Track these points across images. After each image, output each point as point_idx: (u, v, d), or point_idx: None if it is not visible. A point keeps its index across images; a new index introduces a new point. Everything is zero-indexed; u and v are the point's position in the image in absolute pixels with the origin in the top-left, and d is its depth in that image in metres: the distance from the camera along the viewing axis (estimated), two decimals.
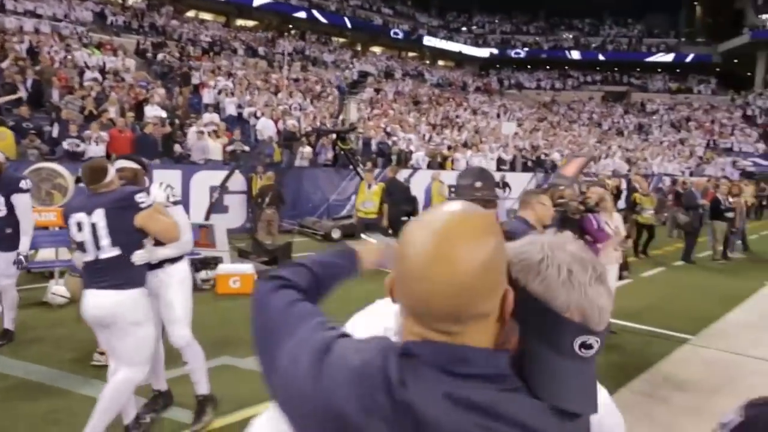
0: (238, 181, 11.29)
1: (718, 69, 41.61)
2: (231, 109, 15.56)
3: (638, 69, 42.65)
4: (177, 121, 13.48)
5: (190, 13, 31.53)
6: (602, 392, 0.89)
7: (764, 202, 20.00)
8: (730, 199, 10.54)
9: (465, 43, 43.13)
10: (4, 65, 13.18)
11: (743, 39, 37.59)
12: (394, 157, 15.68)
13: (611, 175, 17.49)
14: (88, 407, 2.93)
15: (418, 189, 13.44)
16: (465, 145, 19.27)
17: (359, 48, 37.66)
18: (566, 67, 43.59)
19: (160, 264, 3.27)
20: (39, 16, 19.44)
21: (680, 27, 43.72)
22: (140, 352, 2.99)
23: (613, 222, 5.45)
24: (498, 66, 43.94)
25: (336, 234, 10.96)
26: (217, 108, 15.49)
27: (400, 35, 39.33)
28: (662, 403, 3.89)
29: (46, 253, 6.54)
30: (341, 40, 37.58)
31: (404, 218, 10.60)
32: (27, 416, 3.46)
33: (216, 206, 10.57)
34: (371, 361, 0.74)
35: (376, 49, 39.53)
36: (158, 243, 3.17)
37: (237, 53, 24.62)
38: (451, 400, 0.70)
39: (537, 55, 43.30)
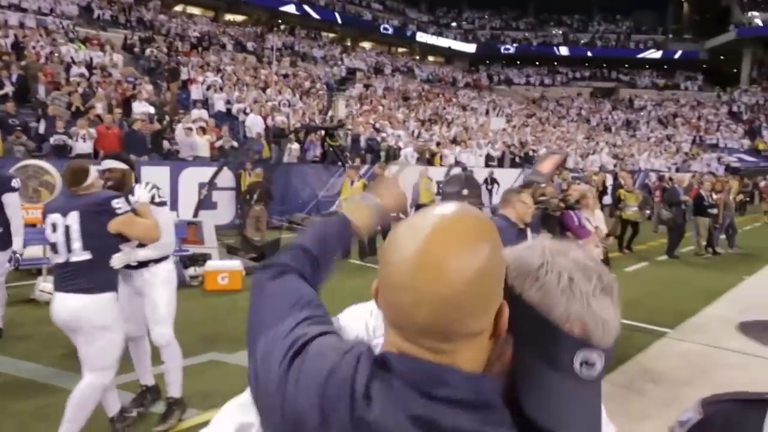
0: (226, 177, 11.31)
1: (704, 65, 42.10)
2: (220, 105, 15.55)
3: (626, 65, 43.05)
4: (168, 117, 13.44)
5: (178, 8, 31.30)
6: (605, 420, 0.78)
7: (746, 198, 20.32)
8: (714, 196, 10.74)
9: (455, 38, 43.24)
10: None
11: (729, 36, 38.05)
12: (382, 154, 15.76)
13: (598, 171, 17.73)
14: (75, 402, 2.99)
15: (406, 185, 13.54)
16: (454, 141, 19.38)
17: (349, 43, 37.60)
18: (555, 63, 43.87)
19: (145, 264, 3.31)
20: (24, 10, 19.24)
21: (668, 24, 44.13)
22: (105, 357, 2.98)
23: (595, 219, 5.57)
24: (487, 62, 44.10)
25: None
26: (205, 104, 15.47)
27: (390, 31, 39.31)
28: (638, 394, 4.02)
29: (33, 251, 6.54)
30: (331, 35, 37.49)
31: (393, 214, 10.72)
32: (16, 413, 3.51)
33: (205, 203, 10.57)
34: (340, 368, 0.68)
35: (366, 45, 39.50)
36: (142, 244, 3.22)
37: (226, 48, 24.52)
38: (419, 424, 0.63)
39: (526, 51, 43.50)
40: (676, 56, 41.62)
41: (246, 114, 14.83)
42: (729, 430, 1.14)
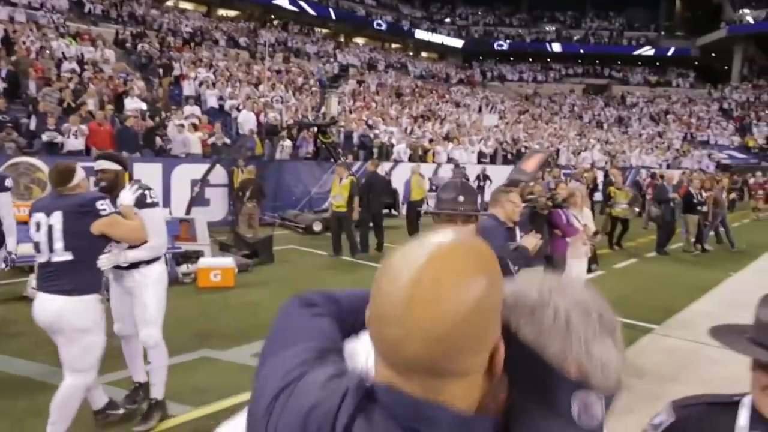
0: (219, 174, 11.32)
1: (696, 63, 42.38)
2: (212, 102, 15.51)
3: (619, 62, 43.26)
4: (164, 114, 13.40)
5: (170, 2, 31.09)
6: None
7: (738, 196, 20.54)
8: (704, 193, 10.88)
9: (448, 34, 43.24)
10: None
11: (720, 33, 38.31)
12: (375, 150, 15.80)
13: (590, 168, 17.85)
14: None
15: (399, 182, 13.61)
16: (446, 138, 19.44)
17: (342, 39, 37.52)
18: (548, 60, 44.01)
19: (136, 265, 3.31)
20: (14, 4, 19.03)
21: (660, 21, 44.35)
22: (85, 360, 2.98)
23: (583, 217, 5.65)
24: (481, 58, 44.16)
25: (317, 227, 11.08)
26: (198, 100, 15.42)
27: (384, 26, 39.26)
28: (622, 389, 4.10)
29: (26, 248, 6.51)
30: (324, 31, 37.39)
31: (385, 211, 10.78)
32: (10, 410, 3.55)
33: (197, 200, 10.60)
34: (324, 403, 0.65)
35: (360, 40, 39.43)
36: (133, 245, 3.23)
37: (218, 44, 24.41)
38: None
39: (519, 48, 43.59)
40: (669, 53, 41.84)
41: (239, 110, 14.81)
42: (703, 431, 1.18)
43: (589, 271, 6.27)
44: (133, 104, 12.77)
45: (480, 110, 28.98)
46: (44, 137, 10.38)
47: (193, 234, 7.74)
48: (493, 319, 0.63)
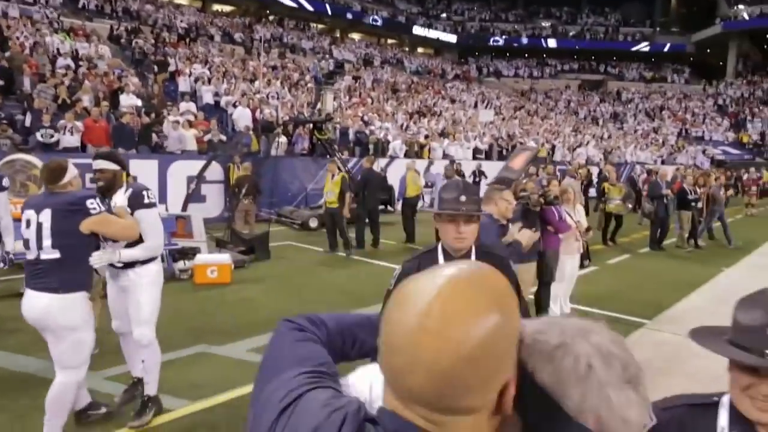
0: (215, 171, 11.34)
1: (692, 59, 42.53)
2: (208, 98, 15.49)
3: (615, 58, 43.35)
4: (163, 112, 13.37)
5: None
6: None
7: (735, 192, 20.65)
8: (698, 189, 10.96)
9: (444, 30, 43.22)
10: None
11: (716, 29, 38.46)
12: (371, 146, 15.84)
13: (584, 164, 17.95)
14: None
15: (394, 178, 13.66)
16: (442, 134, 19.49)
17: (338, 35, 37.45)
18: (544, 56, 44.06)
19: (132, 264, 3.33)
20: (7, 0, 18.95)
21: (655, 17, 44.45)
22: (74, 357, 3.00)
23: (576, 214, 5.72)
24: (477, 54, 44.17)
25: (313, 223, 11.12)
26: (193, 96, 15.40)
27: (380, 22, 39.20)
28: None
29: (22, 245, 6.56)
30: (320, 26, 37.31)
31: (381, 207, 10.84)
32: (11, 405, 3.59)
33: (193, 196, 10.62)
34: (326, 425, 0.65)
35: (355, 36, 39.36)
36: (130, 244, 3.25)
37: (214, 40, 24.35)
38: None
39: (515, 43, 43.61)
40: (664, 49, 41.95)
41: (234, 107, 14.80)
42: None
43: (582, 266, 6.35)
44: (128, 101, 12.75)
45: (476, 106, 29.02)
46: (39, 136, 10.35)
47: (190, 230, 7.78)
48: (503, 357, 0.60)
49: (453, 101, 28.67)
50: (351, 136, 16.22)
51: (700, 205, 10.90)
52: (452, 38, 43.12)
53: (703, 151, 29.31)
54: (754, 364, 1.04)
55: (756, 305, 1.08)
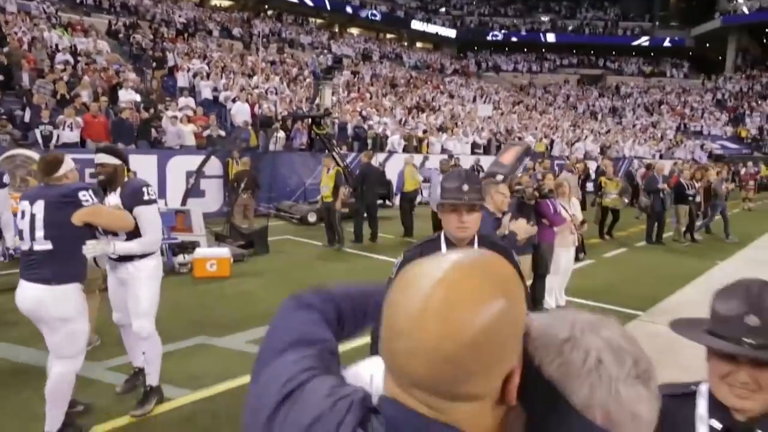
0: (214, 166, 11.39)
1: (691, 53, 42.49)
2: (206, 93, 15.51)
3: (614, 52, 43.30)
4: (160, 106, 13.40)
5: None
6: None
7: (734, 186, 20.69)
8: (696, 184, 11.02)
9: (443, 24, 43.14)
10: None
11: (715, 23, 38.42)
12: (369, 141, 15.88)
13: (582, 159, 17.99)
14: (75, 384, 3.16)
15: (393, 173, 13.71)
16: (440, 128, 19.52)
17: (337, 30, 37.38)
18: (543, 50, 44.01)
19: (131, 257, 3.36)
20: None
21: (655, 11, 44.38)
22: (70, 347, 3.03)
23: (571, 207, 5.79)
24: (476, 48, 44.12)
25: (312, 218, 11.19)
26: (192, 91, 15.42)
27: (378, 17, 39.12)
28: None
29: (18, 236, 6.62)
30: (318, 21, 37.23)
31: (379, 201, 10.90)
32: (13, 395, 3.66)
33: (193, 191, 10.67)
34: (327, 416, 0.64)
35: (354, 31, 39.29)
36: (130, 237, 3.29)
37: (212, 35, 24.32)
38: None
39: (514, 38, 43.54)
40: (665, 44, 41.90)
41: (233, 102, 14.82)
42: (664, 425, 1.25)
43: (577, 259, 6.42)
44: (127, 96, 12.78)
45: (474, 101, 29.02)
46: (38, 132, 10.35)
47: (189, 225, 7.84)
48: (507, 344, 0.59)
49: (452, 96, 28.67)
50: (349, 131, 16.25)
51: (698, 199, 10.97)
52: (451, 33, 43.05)
53: (701, 146, 29.34)
54: (732, 352, 1.07)
55: (733, 296, 1.11)
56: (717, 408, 1.15)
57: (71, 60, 14.27)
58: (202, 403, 3.61)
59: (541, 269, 5.29)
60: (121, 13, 23.01)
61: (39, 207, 2.96)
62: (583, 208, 11.49)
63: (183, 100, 14.10)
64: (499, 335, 0.58)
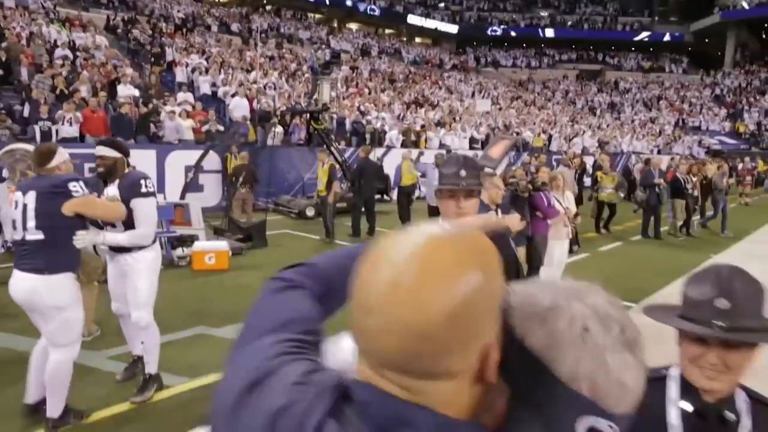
0: (213, 160, 11.44)
1: (690, 48, 42.45)
2: (205, 88, 15.53)
3: (613, 47, 43.27)
4: (159, 101, 13.43)
5: None
6: None
7: (734, 181, 20.72)
8: (693, 179, 11.10)
9: (442, 20, 43.07)
10: None
11: (714, 19, 38.37)
12: (368, 136, 15.92)
13: (580, 154, 18.06)
14: (75, 373, 3.23)
15: (391, 168, 13.77)
16: (438, 123, 19.56)
17: (335, 25, 37.32)
18: (542, 45, 43.96)
19: (129, 249, 3.41)
20: None
21: (654, 6, 44.31)
22: (65, 335, 3.08)
23: (565, 200, 5.86)
24: (475, 43, 44.06)
25: (310, 212, 11.26)
26: (190, 86, 15.44)
27: (377, 12, 39.05)
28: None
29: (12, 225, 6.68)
30: (317, 16, 37.17)
31: (377, 196, 10.97)
32: (15, 384, 3.72)
33: (191, 185, 10.72)
34: (296, 403, 0.60)
35: (353, 26, 39.23)
36: (127, 229, 3.33)
37: (211, 30, 24.31)
38: None
39: (513, 33, 43.48)
40: (664, 39, 41.85)
41: (232, 97, 14.85)
42: (635, 409, 1.29)
43: (571, 252, 6.49)
44: (126, 91, 12.81)
45: (473, 96, 29.04)
46: (38, 128, 10.37)
47: (188, 218, 7.90)
48: (484, 318, 0.57)
49: (450, 91, 28.69)
50: (348, 126, 16.30)
51: (696, 193, 11.04)
52: (450, 28, 42.98)
53: (699, 142, 29.39)
54: (703, 335, 1.10)
55: (704, 280, 1.14)
56: (687, 390, 1.18)
57: (70, 55, 14.28)
58: (200, 391, 3.69)
59: (534, 261, 5.37)
60: (120, 8, 22.98)
61: (30, 197, 3.00)
62: (580, 202, 11.57)
63: (181, 95, 14.13)
64: (476, 309, 0.55)
